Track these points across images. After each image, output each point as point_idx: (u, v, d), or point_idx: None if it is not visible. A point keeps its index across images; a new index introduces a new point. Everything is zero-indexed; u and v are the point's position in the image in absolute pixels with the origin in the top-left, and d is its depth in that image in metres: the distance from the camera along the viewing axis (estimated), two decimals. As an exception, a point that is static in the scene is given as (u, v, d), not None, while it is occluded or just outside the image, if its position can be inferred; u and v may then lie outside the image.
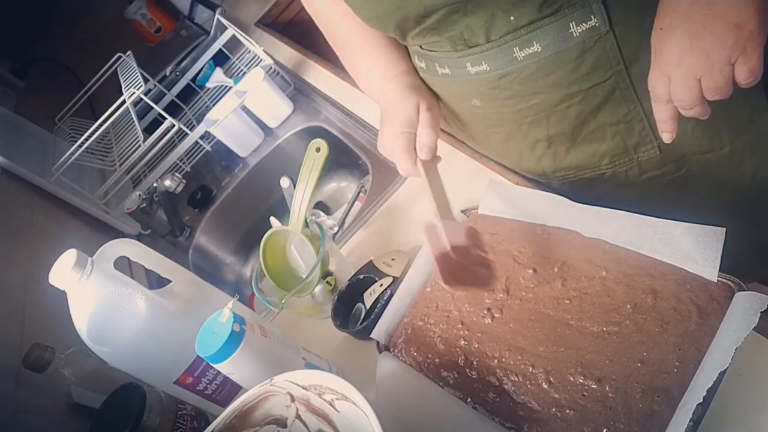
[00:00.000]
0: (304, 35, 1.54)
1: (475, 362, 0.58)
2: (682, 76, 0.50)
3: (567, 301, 0.56)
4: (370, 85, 0.76)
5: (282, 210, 1.26)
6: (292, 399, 0.54)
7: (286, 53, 1.46)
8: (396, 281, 0.74)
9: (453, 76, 0.65)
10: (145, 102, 1.30)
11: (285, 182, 0.88)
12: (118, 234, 1.27)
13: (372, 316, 0.70)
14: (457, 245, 0.57)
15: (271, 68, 1.36)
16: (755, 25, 0.47)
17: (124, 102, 1.24)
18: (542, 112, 0.64)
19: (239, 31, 1.42)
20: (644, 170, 0.68)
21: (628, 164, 0.67)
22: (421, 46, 0.66)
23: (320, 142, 0.79)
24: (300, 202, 0.79)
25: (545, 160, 0.71)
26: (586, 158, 0.68)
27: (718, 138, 0.64)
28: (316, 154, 0.78)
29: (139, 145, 1.25)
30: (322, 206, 1.33)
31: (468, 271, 0.57)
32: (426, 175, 0.62)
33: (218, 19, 1.53)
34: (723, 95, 0.50)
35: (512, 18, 0.56)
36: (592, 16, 0.56)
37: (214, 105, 1.37)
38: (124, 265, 0.69)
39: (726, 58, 0.48)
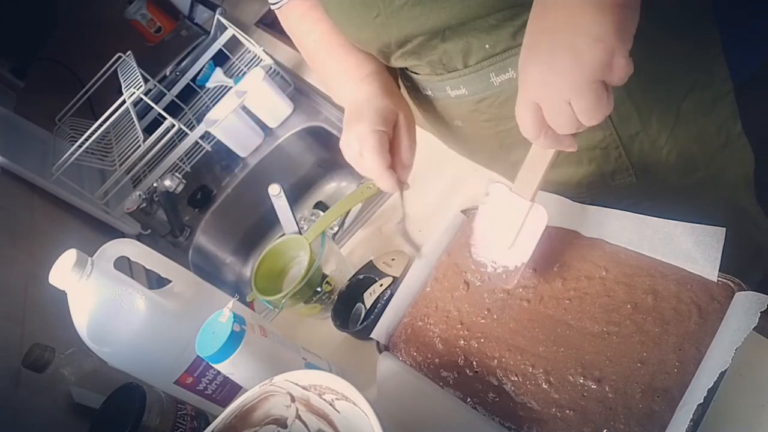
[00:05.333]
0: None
1: (474, 362, 0.58)
2: (549, 100, 0.45)
3: (567, 301, 0.56)
4: (339, 88, 0.70)
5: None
6: (292, 399, 0.54)
7: (286, 53, 1.46)
8: (396, 281, 0.74)
9: (435, 98, 0.66)
10: (145, 102, 1.30)
11: (275, 189, 0.82)
12: (118, 234, 1.26)
13: (372, 316, 0.70)
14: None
15: (271, 68, 1.36)
16: (614, 38, 0.42)
17: (124, 102, 1.24)
18: (520, 134, 0.62)
19: (239, 31, 1.42)
20: (622, 198, 0.66)
21: (605, 194, 0.67)
22: (404, 69, 0.66)
23: (373, 184, 0.82)
24: (327, 218, 0.82)
25: None
26: (564, 181, 0.68)
27: (692, 163, 0.64)
28: (367, 191, 0.82)
29: (139, 145, 1.26)
30: (322, 206, 1.33)
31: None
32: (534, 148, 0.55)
33: (218, 19, 1.53)
34: (597, 114, 0.44)
35: (487, 46, 0.56)
36: None
37: (214, 105, 1.37)
38: (124, 265, 0.69)
39: (590, 75, 0.43)
